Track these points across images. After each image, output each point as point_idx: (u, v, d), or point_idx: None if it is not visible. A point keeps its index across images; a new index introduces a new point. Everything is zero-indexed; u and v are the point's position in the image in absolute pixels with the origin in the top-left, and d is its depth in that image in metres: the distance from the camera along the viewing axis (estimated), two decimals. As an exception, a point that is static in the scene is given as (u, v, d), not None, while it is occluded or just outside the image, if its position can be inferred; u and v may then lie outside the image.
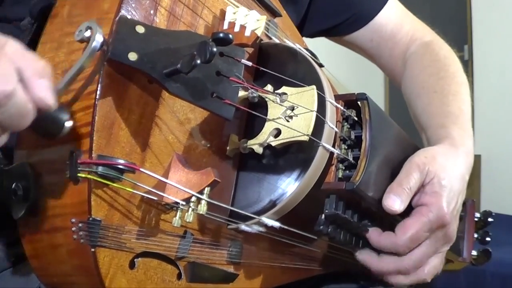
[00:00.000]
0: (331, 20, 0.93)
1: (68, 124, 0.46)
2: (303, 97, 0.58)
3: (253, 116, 0.60)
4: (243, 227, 0.58)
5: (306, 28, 0.92)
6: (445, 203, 0.65)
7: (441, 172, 0.66)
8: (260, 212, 0.58)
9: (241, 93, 0.57)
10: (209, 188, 0.52)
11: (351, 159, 0.62)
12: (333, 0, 0.91)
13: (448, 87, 0.82)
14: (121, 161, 0.47)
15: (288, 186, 0.59)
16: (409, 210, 0.65)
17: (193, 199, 0.51)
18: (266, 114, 0.59)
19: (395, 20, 0.94)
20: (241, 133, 0.63)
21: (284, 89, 0.60)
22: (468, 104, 0.81)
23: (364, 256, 0.68)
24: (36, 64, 0.43)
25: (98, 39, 0.45)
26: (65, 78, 0.46)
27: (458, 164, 0.69)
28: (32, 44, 0.56)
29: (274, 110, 0.59)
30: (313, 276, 0.76)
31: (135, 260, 0.52)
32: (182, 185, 0.51)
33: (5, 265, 0.71)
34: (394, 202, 0.62)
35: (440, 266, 0.70)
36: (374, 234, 0.66)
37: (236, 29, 0.61)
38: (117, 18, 0.49)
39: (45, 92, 0.43)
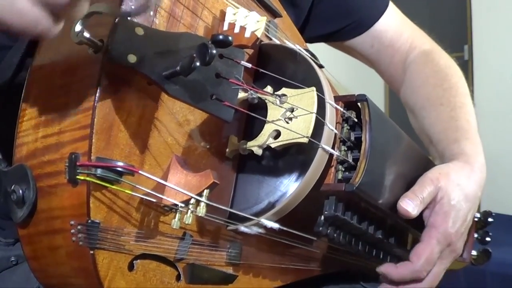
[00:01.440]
0: (332, 26, 0.94)
1: None
2: (303, 99, 0.58)
3: (252, 118, 0.60)
4: (242, 228, 0.58)
5: (306, 32, 0.92)
6: (451, 223, 0.69)
7: (452, 192, 0.69)
8: (260, 214, 0.58)
9: (241, 95, 0.57)
10: (208, 190, 0.51)
11: (350, 160, 0.62)
12: (334, 6, 0.92)
13: (454, 99, 0.84)
14: (120, 164, 0.47)
15: (287, 187, 0.59)
16: (418, 221, 0.69)
17: (192, 201, 0.51)
18: (265, 116, 0.59)
19: (394, 27, 0.95)
20: (241, 135, 0.63)
21: (283, 90, 0.59)
22: (474, 115, 0.83)
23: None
24: None
25: None
26: None
27: (471, 183, 0.72)
28: (32, 43, 0.56)
29: (274, 112, 0.59)
30: (312, 277, 0.76)
31: (134, 262, 0.52)
32: (181, 187, 0.51)
33: (5, 265, 0.71)
34: (408, 205, 0.66)
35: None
36: (391, 268, 0.70)
37: (236, 30, 0.61)
38: (116, 20, 0.49)
39: None
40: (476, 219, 0.95)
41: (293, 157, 0.59)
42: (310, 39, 0.94)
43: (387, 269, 0.70)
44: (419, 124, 0.88)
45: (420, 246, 0.69)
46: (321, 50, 1.00)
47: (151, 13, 0.53)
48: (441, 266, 0.71)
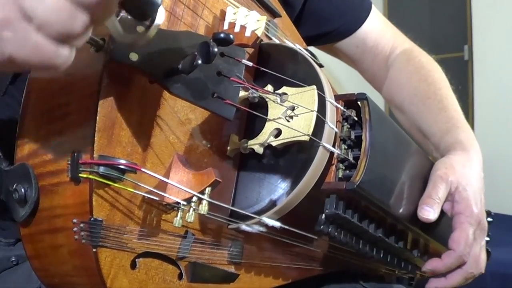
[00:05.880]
0: (321, 28, 0.96)
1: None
2: (303, 97, 0.58)
3: (253, 116, 0.60)
4: (243, 227, 0.58)
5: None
6: (474, 205, 0.75)
7: (462, 179, 0.75)
8: (261, 212, 0.58)
9: (242, 93, 0.58)
10: (210, 188, 0.52)
11: (351, 159, 0.62)
12: (323, 9, 0.95)
13: (440, 91, 0.89)
14: (123, 161, 0.47)
15: (288, 186, 0.59)
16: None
17: (194, 199, 0.51)
18: (266, 114, 0.59)
19: (378, 29, 0.99)
20: (242, 133, 0.63)
21: (284, 89, 0.60)
22: (458, 103, 0.89)
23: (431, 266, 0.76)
24: None
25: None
26: None
27: (474, 167, 0.78)
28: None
29: (275, 110, 0.59)
30: (313, 276, 0.76)
31: (136, 260, 0.52)
32: (183, 185, 0.51)
33: (5, 265, 0.71)
34: (429, 213, 0.70)
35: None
36: (436, 263, 0.75)
37: (237, 29, 0.61)
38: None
39: None
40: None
41: (294, 156, 0.60)
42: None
43: (433, 264, 0.75)
44: (410, 120, 0.93)
45: (456, 233, 0.74)
46: (321, 50, 1.01)
47: None
48: (477, 246, 0.76)
